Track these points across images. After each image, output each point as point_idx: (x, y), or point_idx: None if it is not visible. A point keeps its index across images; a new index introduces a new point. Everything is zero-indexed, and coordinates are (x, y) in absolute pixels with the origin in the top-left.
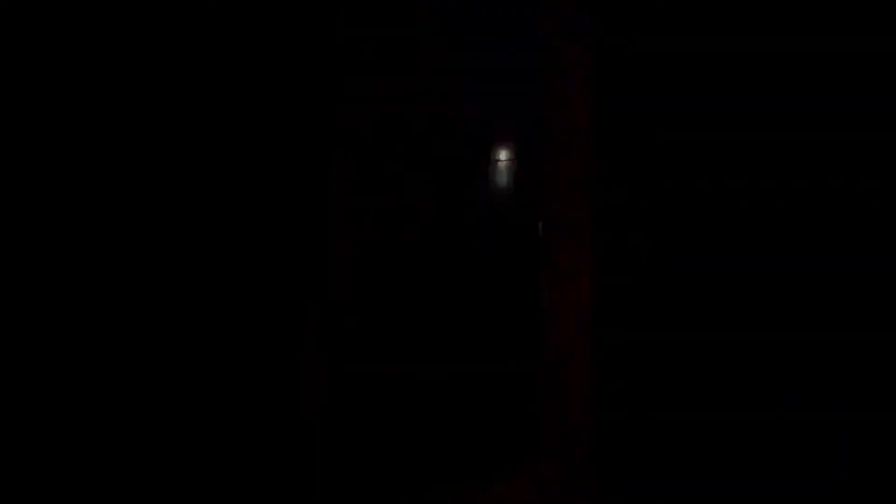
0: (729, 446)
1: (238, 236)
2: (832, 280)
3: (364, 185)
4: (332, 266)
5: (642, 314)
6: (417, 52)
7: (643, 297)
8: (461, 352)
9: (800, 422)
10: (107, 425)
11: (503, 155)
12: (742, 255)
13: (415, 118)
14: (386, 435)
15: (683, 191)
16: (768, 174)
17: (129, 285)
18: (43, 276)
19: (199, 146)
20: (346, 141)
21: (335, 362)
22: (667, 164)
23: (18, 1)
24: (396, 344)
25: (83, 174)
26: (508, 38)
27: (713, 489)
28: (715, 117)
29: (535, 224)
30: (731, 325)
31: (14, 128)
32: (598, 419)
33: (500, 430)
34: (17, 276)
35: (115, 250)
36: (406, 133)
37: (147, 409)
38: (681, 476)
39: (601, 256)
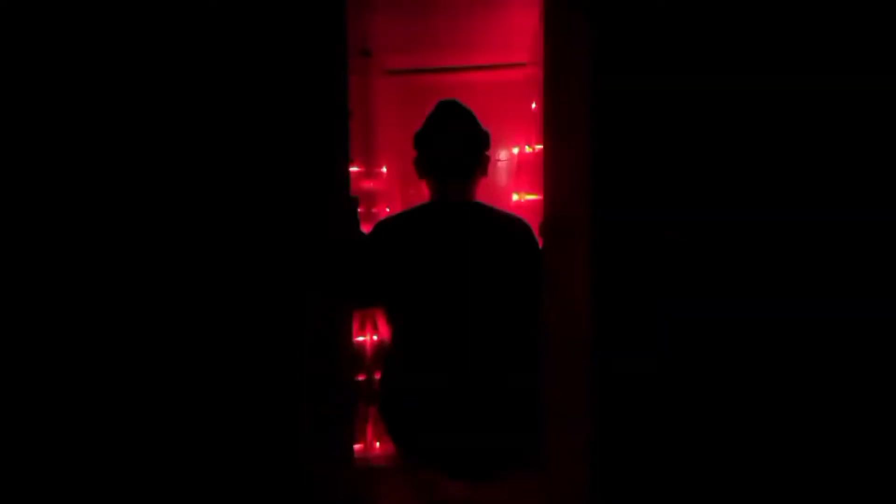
0: (737, 466)
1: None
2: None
3: None
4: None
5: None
6: None
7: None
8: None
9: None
10: (106, 423)
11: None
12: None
13: None
14: None
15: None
16: None
17: (130, 267)
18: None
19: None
20: None
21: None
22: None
23: (18, 1)
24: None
25: (85, 159)
26: None
27: None
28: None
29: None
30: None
31: (22, 118)
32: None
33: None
34: (17, 270)
35: (116, 237)
36: None
37: (145, 392)
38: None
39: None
